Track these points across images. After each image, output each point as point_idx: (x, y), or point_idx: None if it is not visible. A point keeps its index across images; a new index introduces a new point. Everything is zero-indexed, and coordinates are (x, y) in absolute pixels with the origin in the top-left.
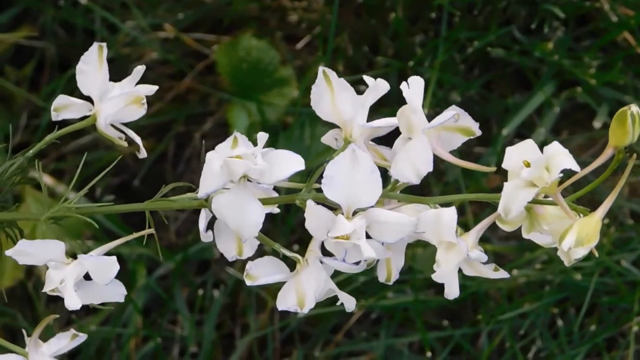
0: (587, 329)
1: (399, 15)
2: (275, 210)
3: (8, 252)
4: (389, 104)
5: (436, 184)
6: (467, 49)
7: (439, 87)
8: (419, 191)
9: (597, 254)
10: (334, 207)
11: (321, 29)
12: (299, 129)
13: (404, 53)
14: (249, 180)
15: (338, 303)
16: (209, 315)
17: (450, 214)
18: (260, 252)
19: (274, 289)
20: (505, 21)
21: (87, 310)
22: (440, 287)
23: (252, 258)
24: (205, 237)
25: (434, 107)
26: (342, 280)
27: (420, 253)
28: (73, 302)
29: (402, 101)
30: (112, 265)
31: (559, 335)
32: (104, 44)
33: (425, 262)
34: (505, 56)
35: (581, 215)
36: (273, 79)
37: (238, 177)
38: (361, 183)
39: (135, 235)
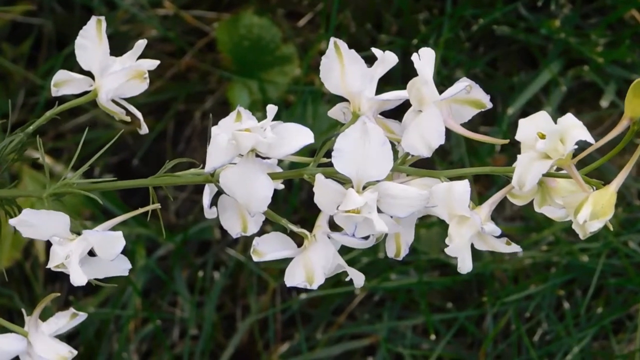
0: (593, 311)
1: None
2: (280, 186)
3: (12, 221)
4: (393, 82)
5: (440, 163)
6: (472, 26)
7: (443, 65)
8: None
9: (612, 228)
10: (342, 182)
11: (324, 6)
12: (302, 108)
13: (408, 31)
14: (257, 155)
15: (347, 279)
16: (210, 296)
17: (462, 187)
18: (260, 232)
19: (276, 270)
20: None
21: (86, 291)
22: (444, 269)
23: (255, 235)
24: (209, 213)
25: (438, 85)
26: (346, 261)
27: (424, 234)
28: (79, 278)
29: (406, 79)
30: (118, 240)
31: (565, 318)
32: (103, 18)
33: (429, 243)
34: (511, 34)
35: (594, 188)
36: (274, 56)
37: (247, 150)
38: (372, 156)
39: (141, 210)
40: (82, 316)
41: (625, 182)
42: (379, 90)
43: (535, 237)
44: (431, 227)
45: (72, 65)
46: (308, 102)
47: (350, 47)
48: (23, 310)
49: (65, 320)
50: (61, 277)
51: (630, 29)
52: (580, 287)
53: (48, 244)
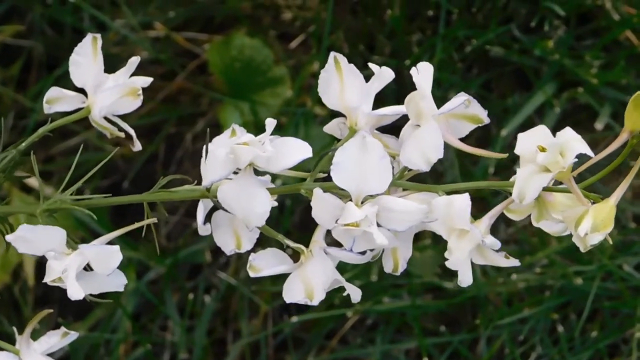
0: (588, 335)
1: (395, 13)
2: (273, 202)
3: (8, 237)
4: (387, 102)
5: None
6: (466, 47)
7: (437, 86)
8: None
9: (611, 241)
10: (340, 196)
11: (316, 28)
12: (293, 130)
13: (401, 52)
14: (254, 169)
15: (344, 293)
16: (200, 320)
17: (463, 200)
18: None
19: (267, 293)
20: (505, 19)
21: (76, 315)
22: (437, 292)
23: (245, 260)
24: (203, 230)
25: None
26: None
27: (417, 257)
28: (76, 292)
29: (400, 100)
30: (115, 254)
31: (559, 341)
32: (99, 35)
33: (422, 266)
34: (505, 55)
35: (593, 202)
36: (266, 78)
37: (245, 164)
38: (371, 169)
39: (137, 225)
40: (73, 335)
41: (620, 205)
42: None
43: (529, 260)
44: (424, 250)
45: (62, 87)
46: (300, 124)
47: None
48: (14, 329)
49: (57, 339)
50: (51, 301)
51: (625, 50)
52: (574, 310)
53: (37, 268)
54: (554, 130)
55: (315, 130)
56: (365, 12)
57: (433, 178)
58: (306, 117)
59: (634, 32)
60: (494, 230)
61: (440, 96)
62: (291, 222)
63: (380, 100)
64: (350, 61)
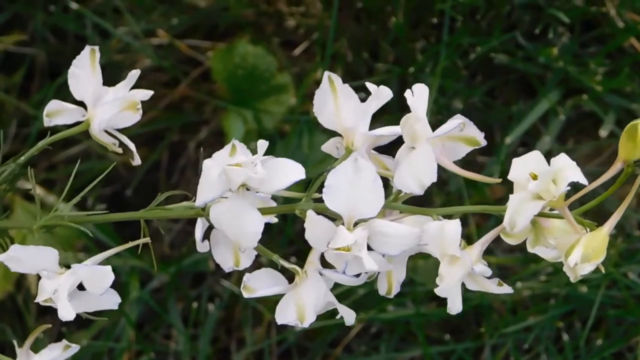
0: (593, 343)
1: (399, 20)
2: (273, 220)
3: (0, 257)
4: (390, 111)
5: (438, 194)
6: (470, 54)
7: (440, 94)
8: (420, 200)
9: (604, 270)
10: (334, 218)
11: (319, 35)
12: (297, 138)
13: (405, 59)
14: (247, 189)
15: (338, 316)
16: (204, 329)
17: (454, 227)
18: (256, 265)
19: (271, 302)
20: (509, 26)
21: (79, 324)
22: (442, 300)
23: (248, 270)
24: (202, 247)
25: (435, 114)
26: (342, 293)
27: (421, 265)
28: (67, 313)
29: (404, 108)
30: (107, 274)
31: (564, 350)
32: (97, 47)
33: (426, 274)
34: (509, 62)
35: (588, 229)
36: (270, 86)
37: (237, 185)
38: (363, 193)
39: (131, 244)
40: (75, 348)
41: (625, 213)
42: (376, 119)
43: (534, 267)
44: (429, 258)
45: (65, 95)
46: (304, 132)
47: (346, 76)
48: (14, 342)
49: (58, 352)
50: (54, 310)
51: (629, 57)
52: (579, 318)
53: (40, 277)
54: (559, 137)
55: (319, 138)
56: (369, 20)
57: (437, 187)
58: (310, 125)
59: (638, 39)
60: (497, 238)
61: (445, 104)
62: (295, 230)
63: (384, 108)
64: (353, 68)
